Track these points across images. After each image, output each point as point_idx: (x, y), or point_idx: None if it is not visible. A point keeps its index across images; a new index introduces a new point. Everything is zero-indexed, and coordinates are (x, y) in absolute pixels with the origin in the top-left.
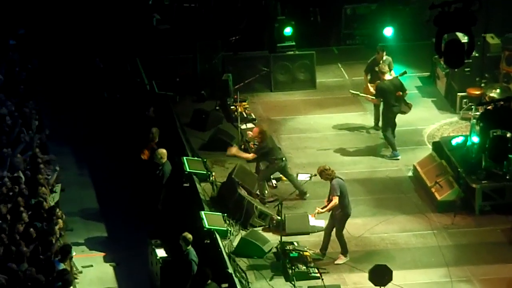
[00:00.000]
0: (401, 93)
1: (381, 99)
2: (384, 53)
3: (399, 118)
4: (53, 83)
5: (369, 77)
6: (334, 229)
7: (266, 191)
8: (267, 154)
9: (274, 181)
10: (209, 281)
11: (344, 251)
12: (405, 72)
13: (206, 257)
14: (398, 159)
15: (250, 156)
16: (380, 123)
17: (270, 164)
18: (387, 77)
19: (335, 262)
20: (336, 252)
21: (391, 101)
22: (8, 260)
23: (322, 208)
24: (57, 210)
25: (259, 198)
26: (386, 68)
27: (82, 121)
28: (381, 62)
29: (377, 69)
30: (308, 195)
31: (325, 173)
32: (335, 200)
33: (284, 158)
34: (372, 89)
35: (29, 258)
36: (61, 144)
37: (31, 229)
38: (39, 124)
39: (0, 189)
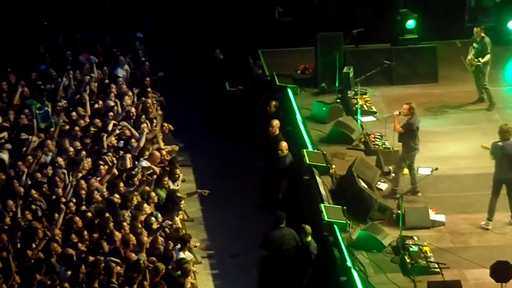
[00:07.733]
0: None
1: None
2: (482, 32)
3: None
4: (172, 74)
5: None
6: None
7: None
8: (412, 135)
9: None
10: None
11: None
12: None
13: (325, 250)
14: None
15: (400, 129)
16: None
17: (405, 153)
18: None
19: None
20: (457, 247)
21: None
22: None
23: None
24: (181, 200)
25: (410, 190)
26: None
27: (202, 112)
28: (478, 39)
29: None
30: (419, 194)
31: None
32: None
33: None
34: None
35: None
36: (182, 135)
37: (152, 218)
38: (162, 114)
39: (132, 180)
